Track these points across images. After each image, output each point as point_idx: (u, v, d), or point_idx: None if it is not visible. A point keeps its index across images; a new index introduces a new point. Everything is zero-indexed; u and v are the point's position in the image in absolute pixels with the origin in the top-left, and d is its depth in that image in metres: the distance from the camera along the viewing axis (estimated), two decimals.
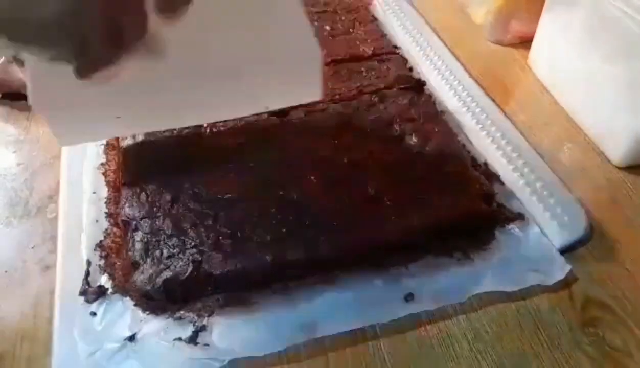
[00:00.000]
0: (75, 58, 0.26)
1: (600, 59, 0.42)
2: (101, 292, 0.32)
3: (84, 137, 0.37)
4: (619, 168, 0.42)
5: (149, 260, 0.32)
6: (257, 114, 0.40)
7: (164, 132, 0.39)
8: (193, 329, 0.30)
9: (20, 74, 0.44)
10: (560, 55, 0.47)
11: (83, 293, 0.32)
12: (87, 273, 0.33)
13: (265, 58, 0.34)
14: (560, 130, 0.45)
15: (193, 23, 0.29)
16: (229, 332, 0.30)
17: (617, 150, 0.42)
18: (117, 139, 0.41)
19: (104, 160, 0.40)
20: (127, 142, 0.39)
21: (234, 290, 0.32)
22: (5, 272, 0.34)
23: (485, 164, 0.41)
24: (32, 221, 0.38)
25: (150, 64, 0.31)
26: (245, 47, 0.33)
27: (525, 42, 0.52)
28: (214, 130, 0.39)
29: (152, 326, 0.31)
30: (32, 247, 0.36)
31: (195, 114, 0.36)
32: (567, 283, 0.34)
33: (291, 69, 0.35)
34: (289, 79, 0.36)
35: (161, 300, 0.31)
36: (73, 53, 0.26)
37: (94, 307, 0.31)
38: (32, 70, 0.32)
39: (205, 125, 0.40)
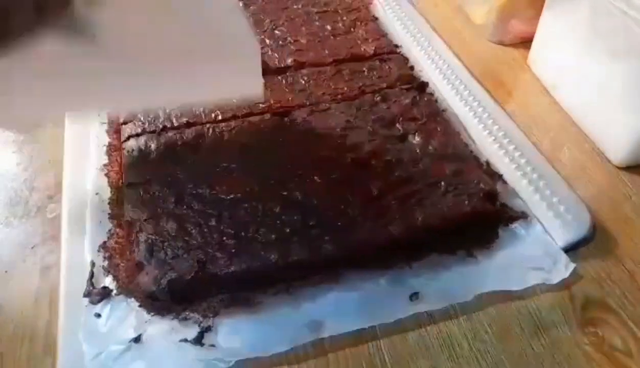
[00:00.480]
0: None
1: (601, 58, 0.42)
2: (105, 293, 0.32)
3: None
4: (619, 168, 0.42)
5: (153, 261, 0.31)
6: (259, 115, 0.40)
7: (167, 132, 0.39)
8: (198, 330, 0.30)
9: None
10: (560, 55, 0.47)
11: (87, 294, 0.32)
12: (91, 275, 0.33)
13: (201, 49, 0.33)
14: (560, 130, 0.45)
15: (123, 9, 0.29)
16: (235, 332, 0.30)
17: (617, 150, 0.42)
18: (119, 139, 0.40)
19: (106, 161, 0.40)
20: (130, 143, 0.38)
21: (238, 290, 0.32)
22: (6, 272, 0.34)
23: (488, 163, 0.41)
24: (32, 221, 0.37)
25: (79, 48, 0.30)
26: (180, 37, 0.33)
27: (526, 42, 0.52)
28: (217, 130, 0.39)
29: (158, 327, 0.30)
30: (32, 247, 0.36)
31: (126, 100, 0.35)
32: (567, 283, 0.34)
33: (229, 61, 0.34)
34: (227, 71, 0.35)
35: (166, 300, 0.31)
36: None
37: (98, 308, 0.31)
38: None
39: (208, 125, 0.40)
